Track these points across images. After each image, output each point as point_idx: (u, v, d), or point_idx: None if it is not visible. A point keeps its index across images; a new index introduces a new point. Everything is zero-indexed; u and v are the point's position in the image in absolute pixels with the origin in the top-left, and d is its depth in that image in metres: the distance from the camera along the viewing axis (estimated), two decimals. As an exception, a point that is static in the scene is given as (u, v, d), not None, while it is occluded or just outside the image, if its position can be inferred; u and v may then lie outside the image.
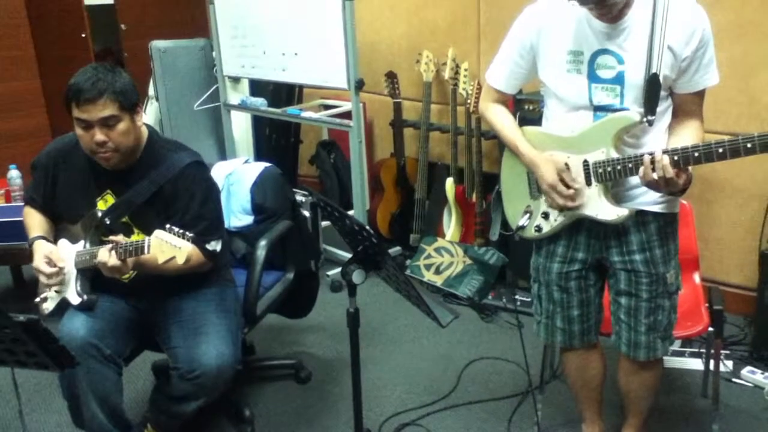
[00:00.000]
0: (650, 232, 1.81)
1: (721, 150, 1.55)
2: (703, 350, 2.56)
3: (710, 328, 2.19)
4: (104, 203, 2.01)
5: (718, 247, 3.04)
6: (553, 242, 1.92)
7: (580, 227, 1.86)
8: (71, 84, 1.86)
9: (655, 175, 1.61)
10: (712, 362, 2.31)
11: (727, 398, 2.46)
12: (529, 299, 3.08)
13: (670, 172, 1.59)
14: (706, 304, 2.27)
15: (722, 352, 2.58)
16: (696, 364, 2.66)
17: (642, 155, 1.65)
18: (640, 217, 1.80)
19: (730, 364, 2.67)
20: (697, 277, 2.41)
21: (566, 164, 1.79)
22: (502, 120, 1.94)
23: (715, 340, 2.22)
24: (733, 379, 2.60)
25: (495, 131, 1.97)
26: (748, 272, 2.94)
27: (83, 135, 1.90)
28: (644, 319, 1.85)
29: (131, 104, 1.91)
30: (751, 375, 2.59)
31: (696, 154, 1.58)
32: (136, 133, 1.95)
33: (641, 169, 1.64)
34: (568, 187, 1.78)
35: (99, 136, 1.87)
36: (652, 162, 1.61)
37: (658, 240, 1.81)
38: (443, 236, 3.63)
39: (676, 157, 1.60)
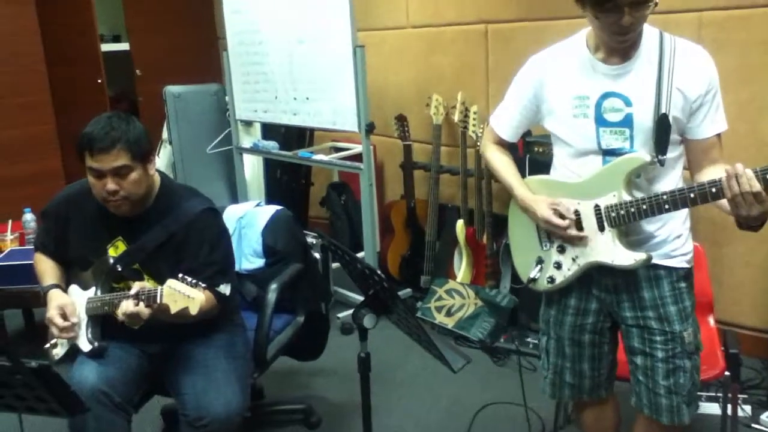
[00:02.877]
0: (663, 288, 1.75)
1: None
2: (720, 394, 2.52)
3: (726, 372, 2.16)
4: (115, 250, 2.02)
5: (732, 289, 3.00)
6: (564, 295, 1.87)
7: (591, 280, 1.82)
8: (85, 133, 1.89)
9: (739, 189, 1.49)
10: (729, 407, 2.27)
11: (746, 445, 2.41)
12: (541, 342, 3.06)
13: (757, 185, 1.48)
14: (722, 348, 2.23)
15: (740, 396, 2.54)
16: (713, 408, 2.61)
17: (664, 192, 1.61)
18: (652, 271, 1.74)
19: (748, 408, 2.61)
20: (711, 320, 2.38)
21: (576, 211, 1.76)
22: (500, 162, 1.94)
23: (732, 385, 2.18)
24: (753, 425, 2.54)
25: (493, 172, 1.97)
26: (763, 314, 2.91)
27: (95, 183, 1.92)
28: (663, 381, 1.76)
29: (144, 154, 1.93)
30: (771, 420, 2.54)
31: None
32: (148, 181, 1.97)
33: (724, 181, 1.51)
34: (563, 218, 1.74)
35: (111, 185, 1.89)
36: (735, 176, 1.50)
37: (672, 297, 1.75)
38: (454, 278, 3.62)
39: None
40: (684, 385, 1.76)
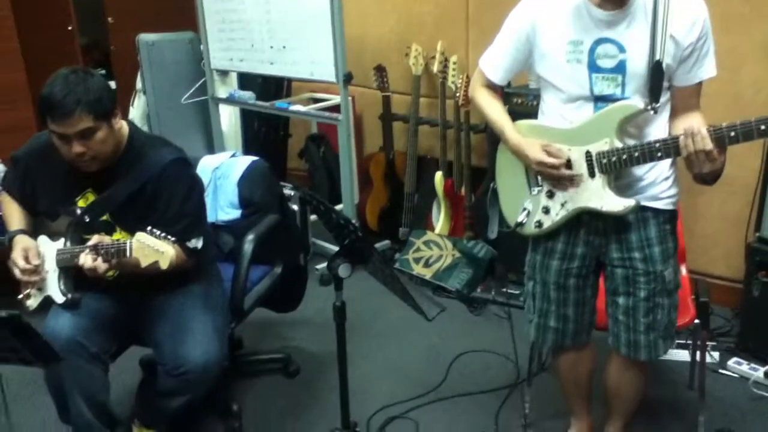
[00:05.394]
0: (649, 230, 1.79)
1: (764, 127, 1.51)
2: (690, 342, 2.58)
3: (696, 320, 2.20)
4: (85, 201, 1.99)
5: (705, 239, 3.05)
6: (551, 239, 1.89)
7: (579, 223, 1.84)
8: (44, 97, 1.80)
9: (693, 147, 1.57)
10: (698, 354, 2.33)
11: (713, 389, 2.47)
12: (518, 292, 3.10)
13: (710, 144, 1.55)
14: (693, 296, 2.28)
15: (709, 343, 2.60)
16: (683, 355, 2.67)
17: (656, 140, 1.65)
18: (640, 213, 1.78)
19: (716, 355, 2.69)
20: (683, 269, 2.41)
21: (568, 157, 1.76)
22: (490, 105, 1.92)
23: (701, 332, 2.23)
24: (720, 371, 2.62)
25: (483, 115, 1.95)
26: (734, 264, 2.96)
27: (61, 146, 1.85)
28: (643, 318, 1.82)
29: (107, 112, 1.85)
30: (738, 366, 2.61)
31: (732, 134, 1.54)
32: (114, 137, 1.91)
33: (681, 139, 1.59)
34: (556, 158, 1.75)
35: (77, 148, 1.83)
36: (692, 135, 1.57)
37: (657, 238, 1.79)
38: (432, 230, 3.63)
39: (716, 136, 1.56)
40: (661, 321, 1.83)
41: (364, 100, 4.09)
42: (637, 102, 1.67)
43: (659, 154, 1.65)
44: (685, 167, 1.68)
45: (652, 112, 1.69)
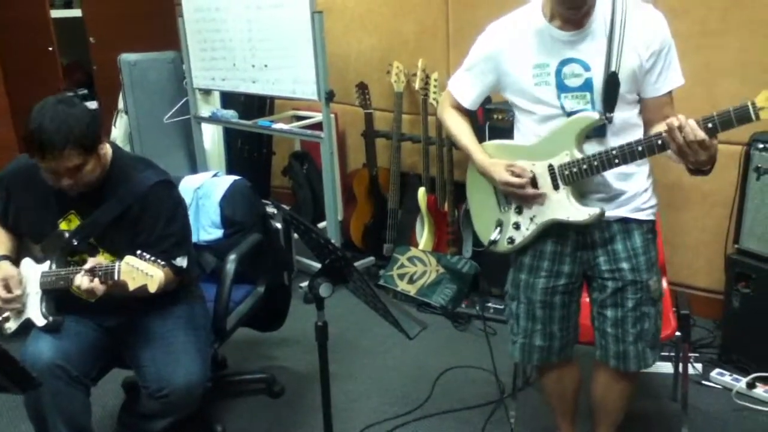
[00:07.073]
0: (634, 240, 1.83)
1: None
2: (672, 354, 2.60)
3: (677, 333, 2.22)
4: (67, 224, 1.98)
5: (686, 252, 3.08)
6: (537, 257, 1.90)
7: (566, 239, 1.86)
8: (32, 132, 1.76)
9: (682, 139, 1.55)
10: (681, 365, 2.34)
11: (696, 401, 2.48)
12: (501, 306, 3.11)
13: (701, 134, 1.54)
14: (674, 309, 2.29)
15: (691, 355, 2.62)
16: (666, 367, 2.69)
17: (613, 147, 1.67)
18: (624, 225, 1.82)
19: (699, 366, 2.70)
20: (664, 282, 2.43)
21: (532, 171, 1.80)
22: (457, 127, 1.96)
23: (683, 345, 2.25)
24: (703, 382, 2.63)
25: (451, 137, 1.99)
26: (715, 276, 2.98)
27: (48, 177, 1.85)
28: (631, 329, 1.84)
29: (94, 144, 1.85)
30: (720, 377, 2.62)
31: (710, 125, 1.54)
32: (102, 164, 1.91)
33: (665, 135, 1.58)
34: (520, 177, 1.79)
35: (66, 181, 1.83)
36: (679, 128, 1.55)
37: (642, 247, 1.83)
38: (416, 246, 3.64)
39: (710, 125, 1.55)
40: (648, 330, 1.86)
41: (347, 117, 4.11)
42: (593, 113, 1.71)
43: (617, 161, 1.69)
44: (658, 175, 1.70)
45: (607, 122, 1.72)
